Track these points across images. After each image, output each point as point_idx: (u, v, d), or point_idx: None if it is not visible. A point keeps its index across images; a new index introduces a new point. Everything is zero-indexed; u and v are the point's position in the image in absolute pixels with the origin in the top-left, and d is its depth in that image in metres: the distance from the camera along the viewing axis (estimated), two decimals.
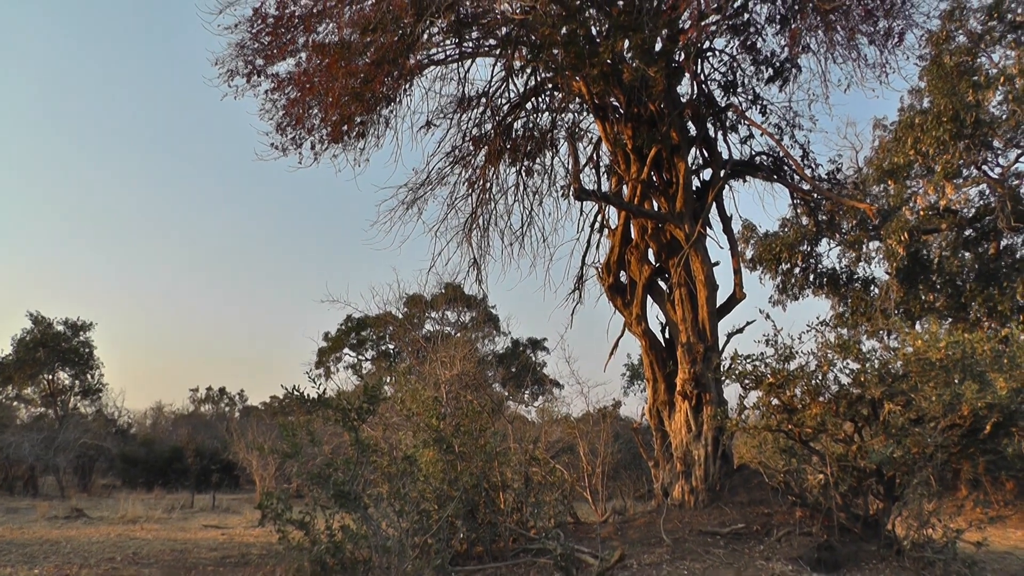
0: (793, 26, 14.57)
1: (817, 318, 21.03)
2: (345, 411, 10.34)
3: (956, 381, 10.06)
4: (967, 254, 21.81)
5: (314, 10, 13.88)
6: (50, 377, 36.02)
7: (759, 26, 15.37)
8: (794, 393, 11.26)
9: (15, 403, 37.52)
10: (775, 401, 11.45)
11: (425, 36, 14.20)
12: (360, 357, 41.72)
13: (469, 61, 16.23)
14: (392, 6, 13.08)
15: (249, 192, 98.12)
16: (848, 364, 11.24)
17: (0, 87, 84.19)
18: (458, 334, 31.62)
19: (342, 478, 9.72)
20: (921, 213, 20.91)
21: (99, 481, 34.95)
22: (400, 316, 34.19)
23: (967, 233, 21.78)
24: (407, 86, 15.57)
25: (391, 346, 40.31)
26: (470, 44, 15.57)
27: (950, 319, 21.68)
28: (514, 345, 41.27)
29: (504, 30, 14.93)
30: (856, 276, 23.76)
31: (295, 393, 10.26)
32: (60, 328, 35.30)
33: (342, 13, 13.59)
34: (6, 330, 62.95)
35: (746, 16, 15.12)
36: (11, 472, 30.88)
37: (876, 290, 23.11)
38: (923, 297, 21.82)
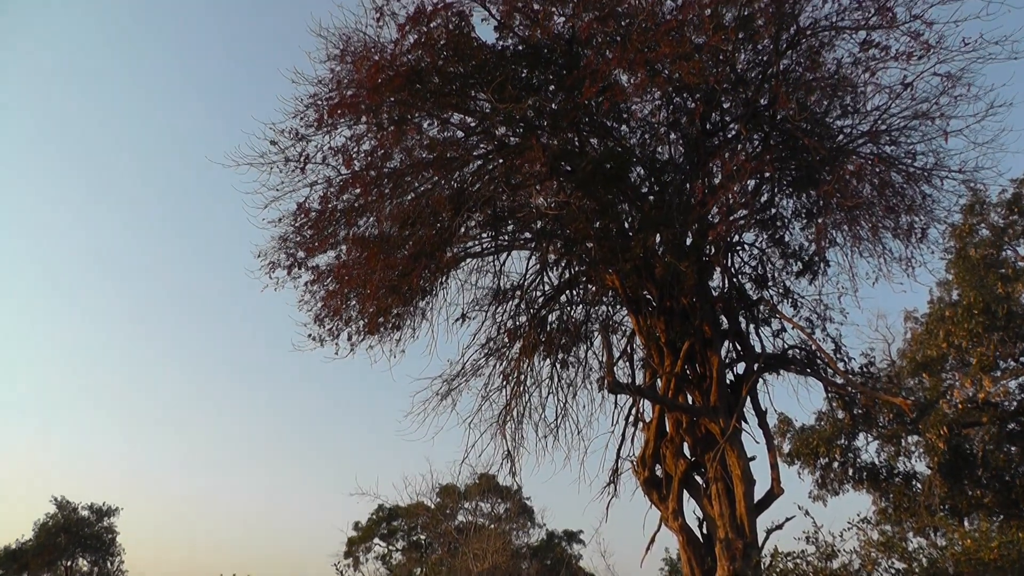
0: (819, 221, 14.87)
1: (858, 514, 20.27)
2: None
3: None
4: (1013, 448, 21.21)
5: (356, 204, 14.33)
6: (68, 563, 35.23)
7: (786, 220, 15.68)
8: None
9: None
10: None
11: (462, 230, 14.64)
12: (390, 547, 40.79)
13: (504, 254, 16.57)
14: (431, 201, 13.60)
15: (280, 379, 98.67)
16: (894, 563, 10.82)
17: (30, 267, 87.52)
18: (492, 525, 30.87)
19: None
20: (960, 406, 20.56)
21: None
22: (432, 506, 33.62)
23: (1010, 427, 21.27)
24: (443, 279, 15.90)
25: (422, 537, 39.45)
26: (505, 238, 15.98)
27: (1001, 516, 20.83)
28: (549, 537, 40.44)
29: (539, 224, 15.39)
30: (897, 471, 23.06)
31: None
32: (85, 513, 34.91)
33: (383, 207, 14.06)
34: (31, 515, 62.30)
35: (773, 211, 15.45)
36: None
37: (919, 485, 22.39)
38: (969, 493, 21.06)
